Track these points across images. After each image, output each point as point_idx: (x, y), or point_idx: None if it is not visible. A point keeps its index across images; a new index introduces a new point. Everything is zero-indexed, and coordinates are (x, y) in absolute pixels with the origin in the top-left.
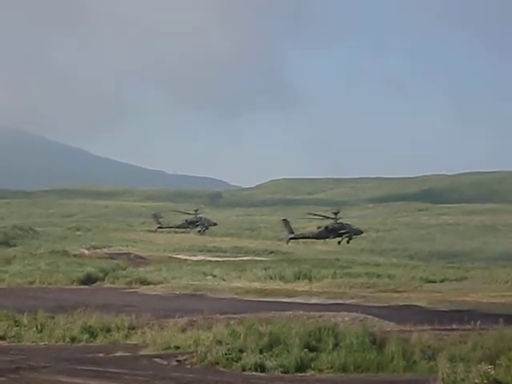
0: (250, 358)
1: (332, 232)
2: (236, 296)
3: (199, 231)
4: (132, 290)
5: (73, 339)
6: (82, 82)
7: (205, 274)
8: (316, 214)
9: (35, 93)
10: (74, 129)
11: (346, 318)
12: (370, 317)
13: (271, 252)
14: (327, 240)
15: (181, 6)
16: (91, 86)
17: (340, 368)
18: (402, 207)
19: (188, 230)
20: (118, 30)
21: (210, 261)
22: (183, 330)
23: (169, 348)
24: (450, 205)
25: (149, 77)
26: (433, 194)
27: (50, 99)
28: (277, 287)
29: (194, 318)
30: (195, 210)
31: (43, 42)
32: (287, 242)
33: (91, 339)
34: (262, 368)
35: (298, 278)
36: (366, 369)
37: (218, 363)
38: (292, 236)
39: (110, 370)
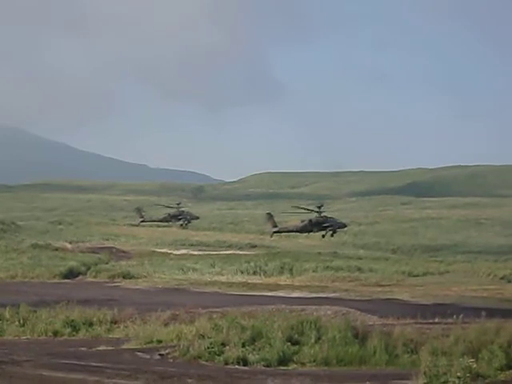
0: (233, 352)
1: (316, 225)
2: (219, 290)
3: (181, 225)
4: (114, 284)
5: (55, 333)
6: (68, 77)
7: (187, 268)
8: (300, 207)
9: (21, 88)
10: (59, 124)
11: (329, 312)
12: (353, 310)
13: (254, 246)
14: (311, 234)
15: (166, 1)
16: (77, 82)
17: (322, 361)
18: (384, 201)
19: (170, 223)
20: (104, 26)
21: (192, 255)
22: (166, 324)
23: (151, 342)
24: (433, 198)
25: (134, 72)
26: (416, 187)
27: (35, 95)
28: (259, 281)
29: (177, 312)
30: (177, 204)
31: (31, 40)
32: (271, 236)
33: (73, 333)
34: (244, 362)
35: (281, 272)
36: (348, 362)
37: (200, 357)
38: (276, 230)
39: (93, 363)
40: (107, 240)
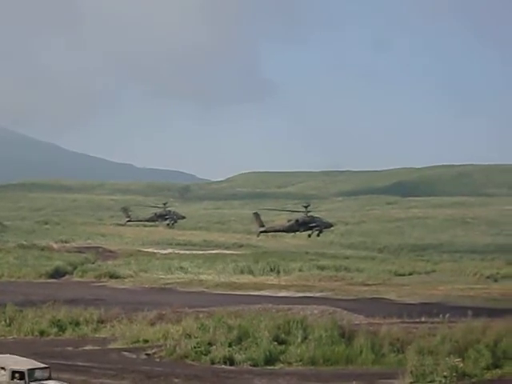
0: (219, 352)
1: (302, 225)
2: (205, 289)
3: (168, 224)
4: (101, 284)
5: (41, 333)
6: (58, 78)
7: (174, 268)
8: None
9: (9, 88)
10: (47, 124)
11: (315, 311)
12: (339, 310)
13: (241, 245)
14: (297, 233)
15: (160, 0)
16: (66, 82)
17: (309, 361)
18: (371, 200)
19: (157, 223)
20: (95, 26)
21: (179, 254)
22: (152, 324)
23: (138, 341)
24: (418, 198)
25: (123, 71)
26: (402, 187)
27: (24, 95)
28: (246, 280)
29: (163, 312)
30: (164, 204)
31: (21, 40)
32: (258, 235)
33: (60, 333)
34: (231, 361)
35: (268, 272)
36: (334, 362)
37: (186, 356)
38: (263, 229)
39: (79, 363)
40: (94, 240)
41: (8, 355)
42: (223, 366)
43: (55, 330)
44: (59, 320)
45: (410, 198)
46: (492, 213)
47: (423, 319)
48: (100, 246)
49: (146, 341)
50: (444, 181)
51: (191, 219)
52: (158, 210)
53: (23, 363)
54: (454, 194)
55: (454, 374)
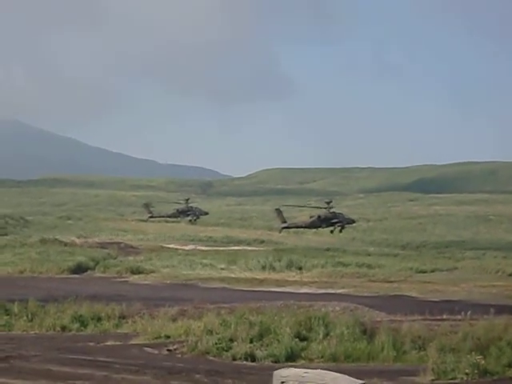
0: (241, 348)
1: (324, 221)
2: (227, 285)
3: (190, 220)
4: (123, 280)
5: (63, 328)
6: (77, 73)
7: (196, 264)
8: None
9: (29, 83)
10: (66, 119)
11: (337, 308)
12: (361, 306)
13: (262, 242)
14: (319, 229)
15: None
16: (86, 77)
17: (330, 358)
18: (393, 197)
19: (179, 219)
20: (111, 22)
21: (201, 250)
22: (174, 320)
23: (159, 337)
24: (441, 195)
25: (143, 67)
26: (424, 184)
27: (44, 90)
28: (268, 277)
29: (185, 308)
30: (186, 200)
31: (38, 36)
32: (280, 231)
33: (82, 328)
34: (252, 357)
35: (289, 268)
36: (356, 358)
37: (208, 352)
38: (285, 225)
39: (101, 359)
40: (116, 235)
41: (319, 370)
42: (244, 362)
43: (77, 325)
44: (81, 315)
45: (432, 195)
46: None
47: (445, 316)
48: (122, 241)
49: (168, 336)
50: (466, 178)
51: (213, 215)
52: (180, 206)
53: (342, 380)
54: (476, 192)
55: (476, 372)
